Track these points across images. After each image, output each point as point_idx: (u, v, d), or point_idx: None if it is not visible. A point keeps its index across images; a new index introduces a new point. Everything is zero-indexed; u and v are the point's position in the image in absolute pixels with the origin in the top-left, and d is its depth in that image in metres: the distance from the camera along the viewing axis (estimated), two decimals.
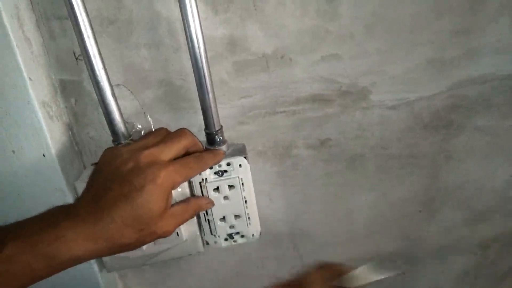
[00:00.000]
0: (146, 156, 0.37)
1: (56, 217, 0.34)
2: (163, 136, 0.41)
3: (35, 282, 0.33)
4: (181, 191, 0.46)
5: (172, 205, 0.39)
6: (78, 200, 0.37)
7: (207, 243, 0.52)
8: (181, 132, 0.42)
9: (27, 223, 0.34)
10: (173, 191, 0.40)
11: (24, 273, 0.32)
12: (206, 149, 0.46)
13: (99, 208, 0.34)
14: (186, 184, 0.47)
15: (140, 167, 0.36)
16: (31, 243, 0.32)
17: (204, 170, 0.44)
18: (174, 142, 0.40)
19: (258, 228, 0.52)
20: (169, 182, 0.36)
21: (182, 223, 0.41)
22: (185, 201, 0.43)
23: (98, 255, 0.35)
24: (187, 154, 0.42)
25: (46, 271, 0.33)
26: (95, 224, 0.33)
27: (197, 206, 0.43)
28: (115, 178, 0.36)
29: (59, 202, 0.44)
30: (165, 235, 0.38)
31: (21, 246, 0.31)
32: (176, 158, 0.40)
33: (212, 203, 0.47)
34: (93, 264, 0.52)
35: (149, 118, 0.51)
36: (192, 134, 0.42)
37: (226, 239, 0.52)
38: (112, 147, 0.42)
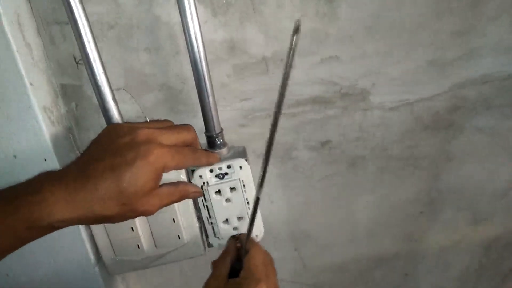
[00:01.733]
0: (145, 133, 0.36)
1: (41, 181, 0.34)
2: (167, 124, 0.42)
3: (20, 246, 0.33)
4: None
5: (160, 186, 0.39)
6: (68, 165, 0.36)
7: (212, 245, 0.52)
8: (185, 126, 0.42)
9: (15, 186, 0.34)
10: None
11: (8, 236, 0.31)
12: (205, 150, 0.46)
13: (85, 176, 0.34)
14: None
15: (136, 142, 0.35)
16: (14, 206, 0.31)
17: (196, 164, 0.44)
18: (176, 132, 0.40)
19: (262, 229, 0.52)
20: (161, 162, 0.36)
21: (166, 205, 0.40)
22: (173, 184, 0.42)
23: (77, 223, 0.34)
24: None
25: (29, 234, 0.32)
26: (78, 191, 0.33)
27: (184, 192, 0.42)
28: (108, 150, 0.35)
29: None
30: (146, 214, 0.37)
31: (3, 209, 0.31)
32: None
33: (200, 193, 0.46)
34: (95, 267, 0.52)
35: None
36: (195, 132, 0.42)
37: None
38: (115, 123, 0.42)
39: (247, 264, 0.42)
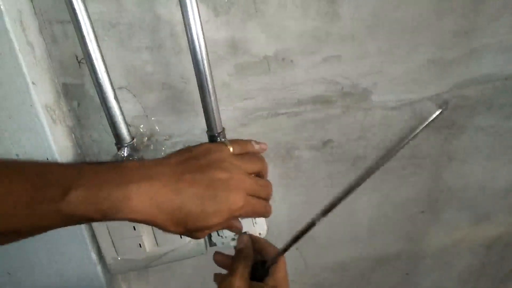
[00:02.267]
0: (241, 181, 0.38)
1: (131, 174, 0.34)
2: (257, 169, 0.42)
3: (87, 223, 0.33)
4: None
5: None
6: (161, 163, 0.36)
7: (215, 244, 0.52)
8: (266, 182, 0.43)
9: (99, 169, 0.33)
10: None
11: (81, 217, 0.32)
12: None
13: (175, 190, 0.34)
14: None
15: (230, 185, 0.37)
16: (96, 194, 0.31)
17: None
18: (260, 185, 0.41)
19: (265, 227, 0.52)
20: (238, 212, 0.37)
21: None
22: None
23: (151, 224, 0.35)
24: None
25: (101, 218, 0.33)
26: (162, 201, 0.33)
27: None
28: (205, 176, 0.36)
29: None
30: (197, 236, 0.38)
31: (85, 195, 0.31)
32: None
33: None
34: (97, 266, 0.52)
35: (152, 121, 0.51)
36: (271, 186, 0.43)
37: (233, 239, 0.52)
38: (218, 144, 0.41)
39: (275, 274, 0.42)
